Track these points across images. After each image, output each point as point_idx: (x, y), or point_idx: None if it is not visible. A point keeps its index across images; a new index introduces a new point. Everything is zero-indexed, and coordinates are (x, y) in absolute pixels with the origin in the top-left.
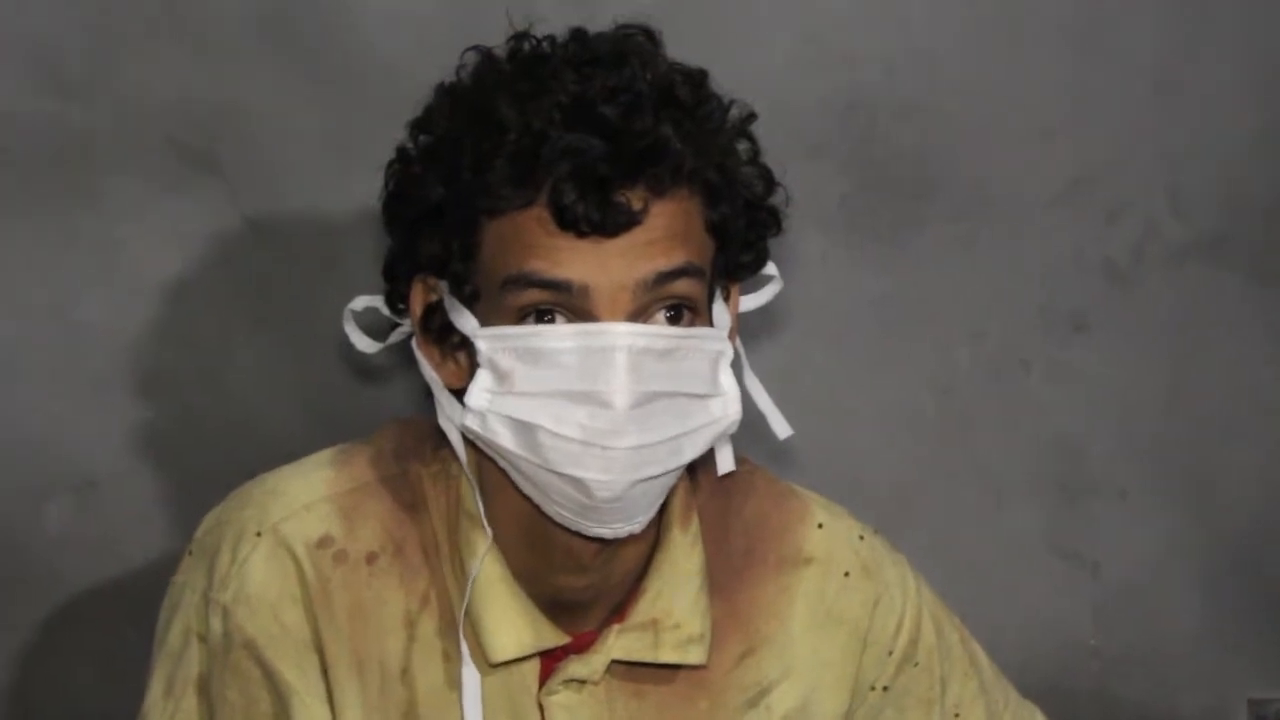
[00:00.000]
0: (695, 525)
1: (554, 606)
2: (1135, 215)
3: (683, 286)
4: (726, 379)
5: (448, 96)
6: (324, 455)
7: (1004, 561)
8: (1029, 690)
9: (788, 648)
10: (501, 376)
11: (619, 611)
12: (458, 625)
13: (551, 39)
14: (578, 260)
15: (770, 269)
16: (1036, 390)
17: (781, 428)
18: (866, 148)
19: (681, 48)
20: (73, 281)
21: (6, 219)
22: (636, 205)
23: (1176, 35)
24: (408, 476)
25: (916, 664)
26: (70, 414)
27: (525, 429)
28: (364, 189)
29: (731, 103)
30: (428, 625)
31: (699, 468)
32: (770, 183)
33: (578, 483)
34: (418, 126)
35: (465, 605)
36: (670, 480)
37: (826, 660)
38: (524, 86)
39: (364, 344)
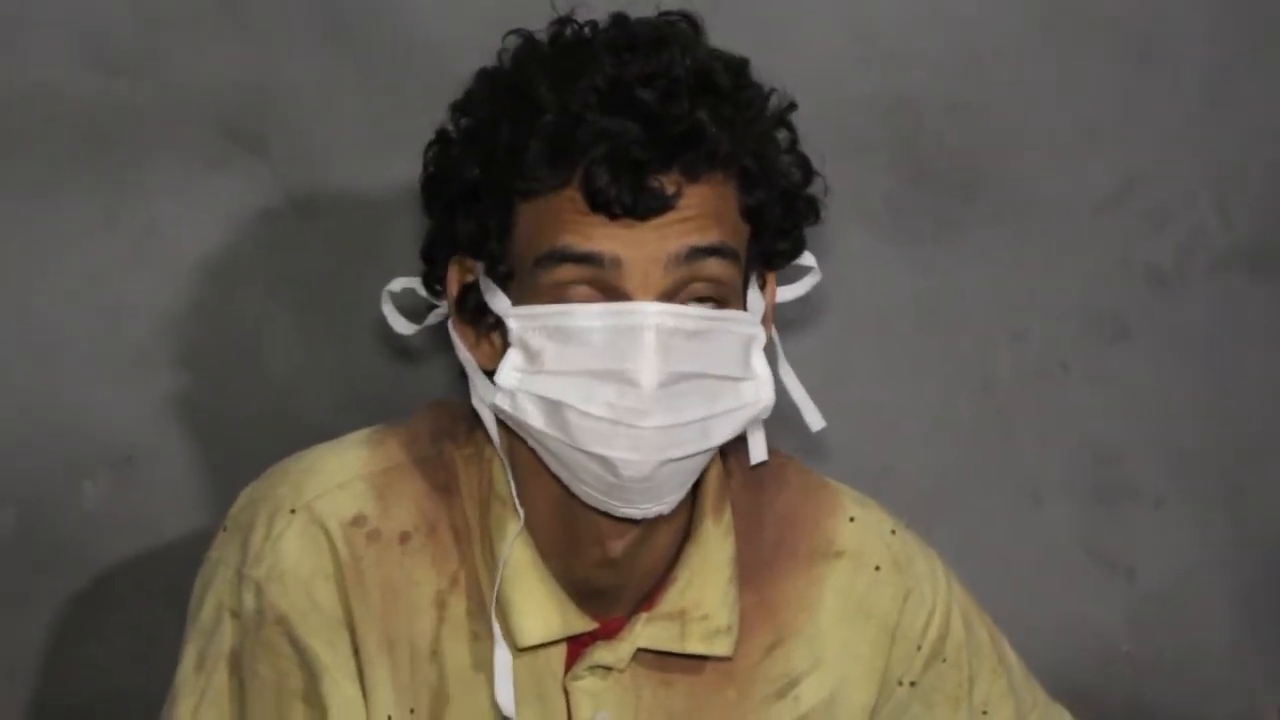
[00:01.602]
0: (728, 516)
1: (583, 593)
2: (1181, 222)
3: (715, 267)
4: (759, 363)
5: (487, 79)
6: (359, 435)
7: (1038, 564)
8: (1061, 694)
9: (817, 640)
10: (532, 355)
11: (648, 600)
12: (487, 607)
13: (593, 24)
14: (610, 236)
15: (809, 260)
16: (1076, 394)
17: (815, 419)
18: (912, 146)
19: (727, 43)
20: (113, 259)
21: (49, 194)
22: (670, 189)
23: (1226, 42)
24: (442, 458)
25: (945, 660)
26: (108, 391)
27: (554, 407)
28: (406, 171)
29: (771, 91)
30: (457, 606)
31: (731, 458)
32: (809, 172)
33: (605, 461)
34: (458, 109)
35: (496, 586)
36: (700, 462)
37: (856, 653)
38: (562, 69)
39: (401, 325)
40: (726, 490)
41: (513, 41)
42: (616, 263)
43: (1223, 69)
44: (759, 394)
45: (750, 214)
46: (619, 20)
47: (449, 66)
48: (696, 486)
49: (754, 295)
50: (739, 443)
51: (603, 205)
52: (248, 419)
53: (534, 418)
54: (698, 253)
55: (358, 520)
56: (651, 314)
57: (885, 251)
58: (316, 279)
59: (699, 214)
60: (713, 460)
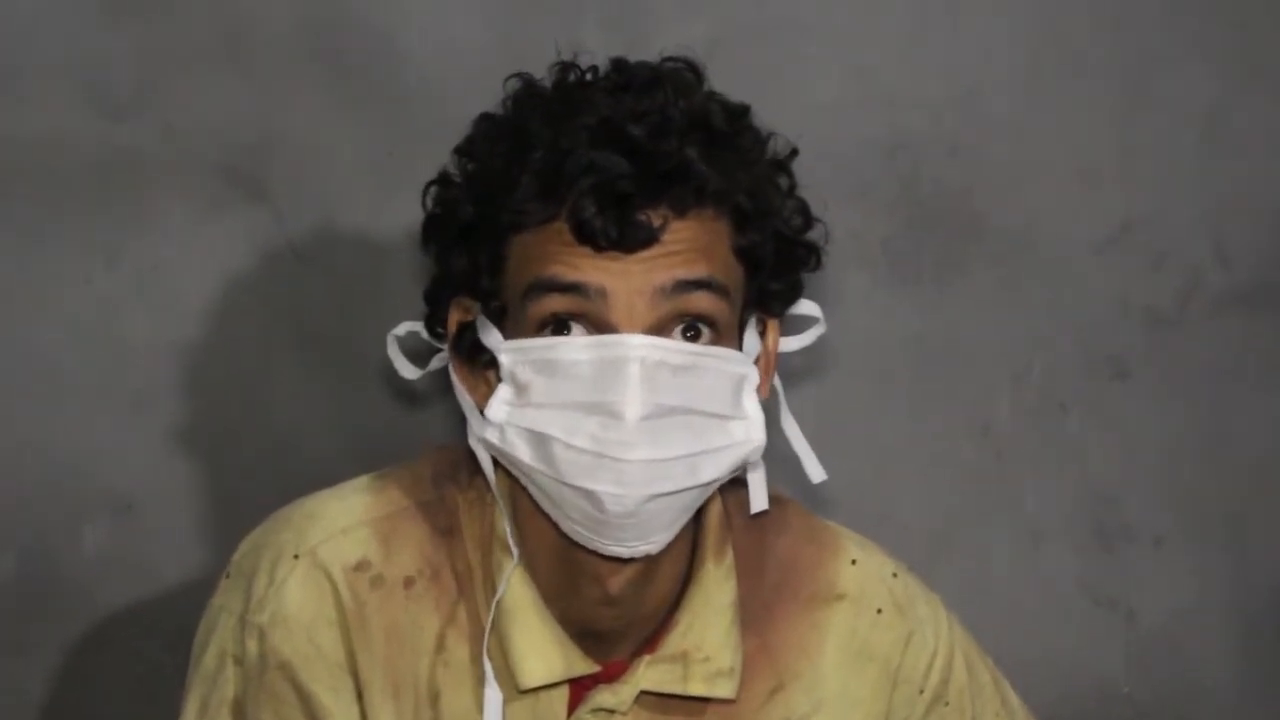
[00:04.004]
0: (730, 559)
1: (585, 635)
2: (1179, 263)
3: (702, 301)
4: (751, 403)
5: (487, 122)
6: (362, 480)
7: (1038, 605)
8: None
9: (818, 684)
10: (520, 389)
11: (650, 642)
12: (490, 648)
13: (595, 69)
14: (597, 267)
15: (814, 310)
16: (1075, 435)
17: (816, 471)
18: (911, 189)
19: (728, 86)
20: (115, 302)
21: (52, 237)
22: (656, 222)
23: (1223, 84)
24: (444, 502)
25: (947, 703)
26: (110, 435)
27: (540, 440)
28: (407, 215)
29: (770, 135)
30: (460, 650)
31: (731, 501)
32: (808, 218)
33: (591, 495)
34: (460, 151)
35: (489, 625)
36: (689, 503)
37: (857, 698)
38: (557, 109)
39: (406, 370)
40: (728, 533)
41: (514, 85)
42: (602, 294)
43: (1220, 111)
44: (749, 434)
45: (743, 253)
46: (618, 64)
47: (449, 111)
48: (698, 529)
49: (751, 337)
50: (738, 486)
51: (589, 237)
52: (249, 462)
53: (522, 451)
54: (685, 286)
55: (361, 565)
56: (636, 346)
57: (884, 293)
58: (317, 322)
59: (687, 248)
60: (712, 502)
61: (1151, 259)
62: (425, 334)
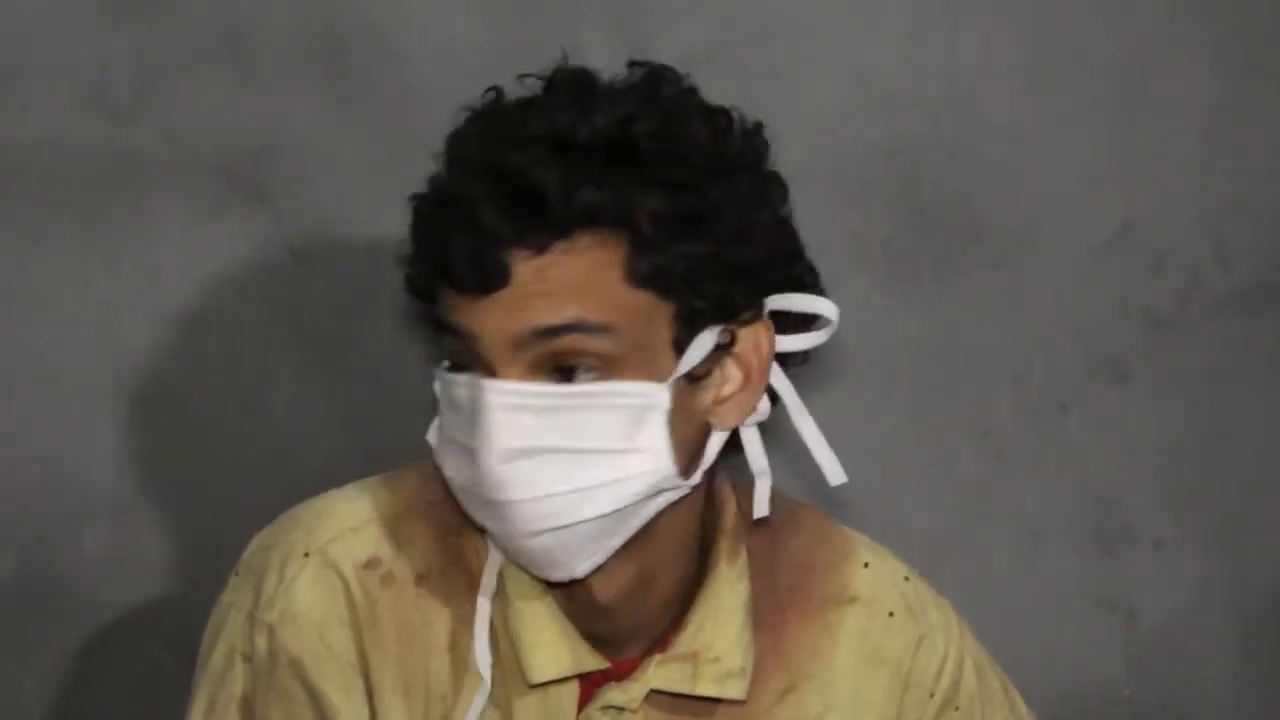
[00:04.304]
0: (743, 560)
1: (594, 636)
2: (1179, 265)
3: (573, 343)
4: (652, 435)
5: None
6: (372, 480)
7: (1038, 607)
8: None
9: (830, 686)
10: (442, 416)
11: (661, 641)
12: (500, 646)
13: (550, 80)
14: (468, 310)
15: (826, 310)
16: (1075, 437)
17: (835, 474)
18: (911, 192)
19: (728, 88)
20: (115, 305)
21: (50, 241)
22: (510, 262)
23: (1223, 86)
24: (452, 500)
25: (957, 708)
26: (110, 437)
27: (446, 472)
28: (408, 217)
29: (720, 145)
30: (470, 647)
31: (746, 502)
32: (753, 228)
33: (489, 530)
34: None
35: (479, 620)
36: (595, 530)
37: (868, 700)
38: (467, 142)
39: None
40: (743, 535)
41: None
42: (475, 338)
43: (1220, 113)
44: (649, 465)
45: (643, 281)
46: (549, 80)
47: (450, 113)
48: (712, 530)
49: (697, 350)
50: (751, 488)
51: (451, 279)
52: (248, 465)
53: (447, 477)
54: (547, 332)
55: (372, 563)
56: (489, 391)
57: (884, 295)
58: (317, 324)
59: (553, 289)
60: (728, 504)
61: (1151, 260)
62: None
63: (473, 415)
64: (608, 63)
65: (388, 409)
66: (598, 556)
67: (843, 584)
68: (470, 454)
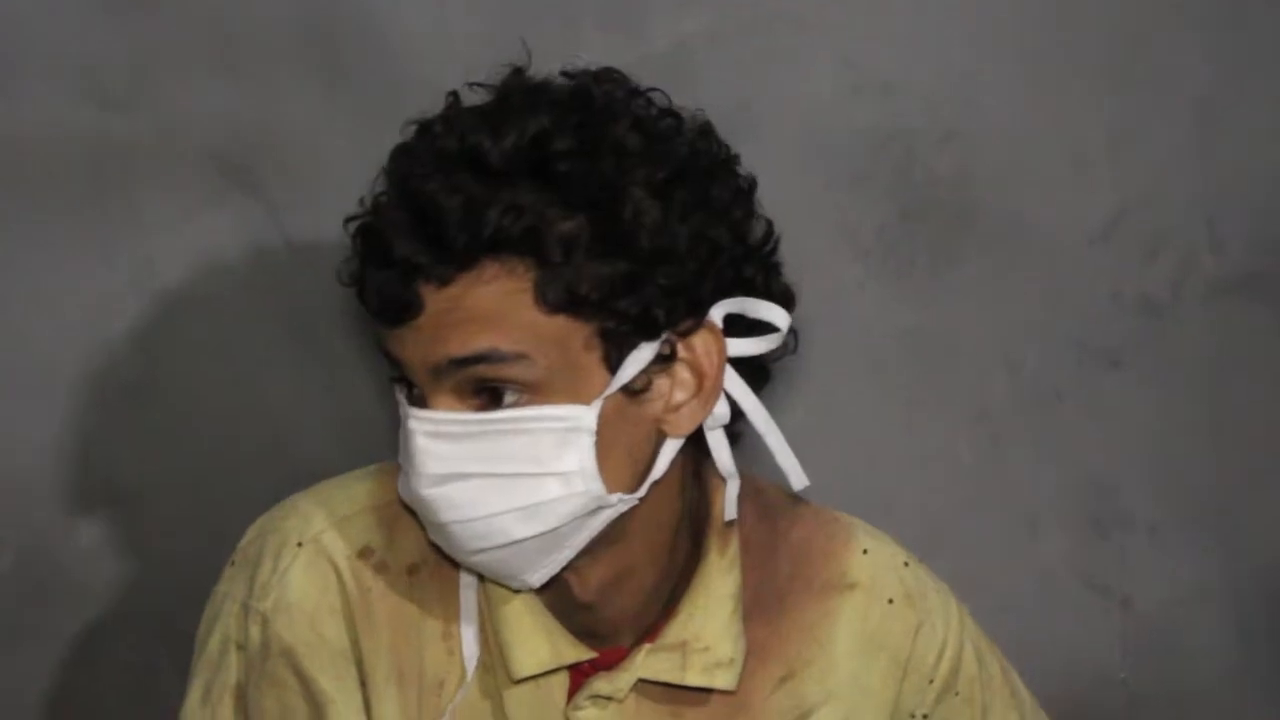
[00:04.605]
0: (734, 549)
1: (580, 629)
2: (1173, 251)
3: (488, 371)
4: (575, 456)
5: None
6: (368, 469)
7: (1034, 594)
8: None
9: (829, 673)
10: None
11: (651, 631)
12: (489, 637)
13: (499, 87)
14: (392, 338)
15: (778, 318)
16: (1070, 423)
17: (798, 479)
18: (905, 179)
19: (723, 78)
20: (109, 295)
21: (46, 232)
22: (421, 292)
23: (1217, 72)
24: None
25: (957, 693)
26: (105, 428)
27: None
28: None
29: (652, 155)
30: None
31: (742, 493)
32: (667, 247)
33: None
34: None
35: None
36: (539, 546)
37: (867, 686)
38: (401, 159)
39: None
40: (735, 524)
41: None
42: (402, 364)
43: (1213, 99)
44: (577, 486)
45: (558, 306)
46: (498, 90)
47: (442, 105)
48: (702, 521)
49: (634, 363)
50: (745, 482)
51: (369, 310)
52: (244, 455)
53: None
54: (460, 363)
55: (365, 552)
56: (413, 418)
57: (878, 283)
58: (312, 315)
59: (462, 320)
60: (716, 493)
61: (1145, 247)
62: None
63: (405, 440)
64: (603, 53)
65: (382, 399)
66: (549, 568)
67: (842, 571)
68: (405, 476)
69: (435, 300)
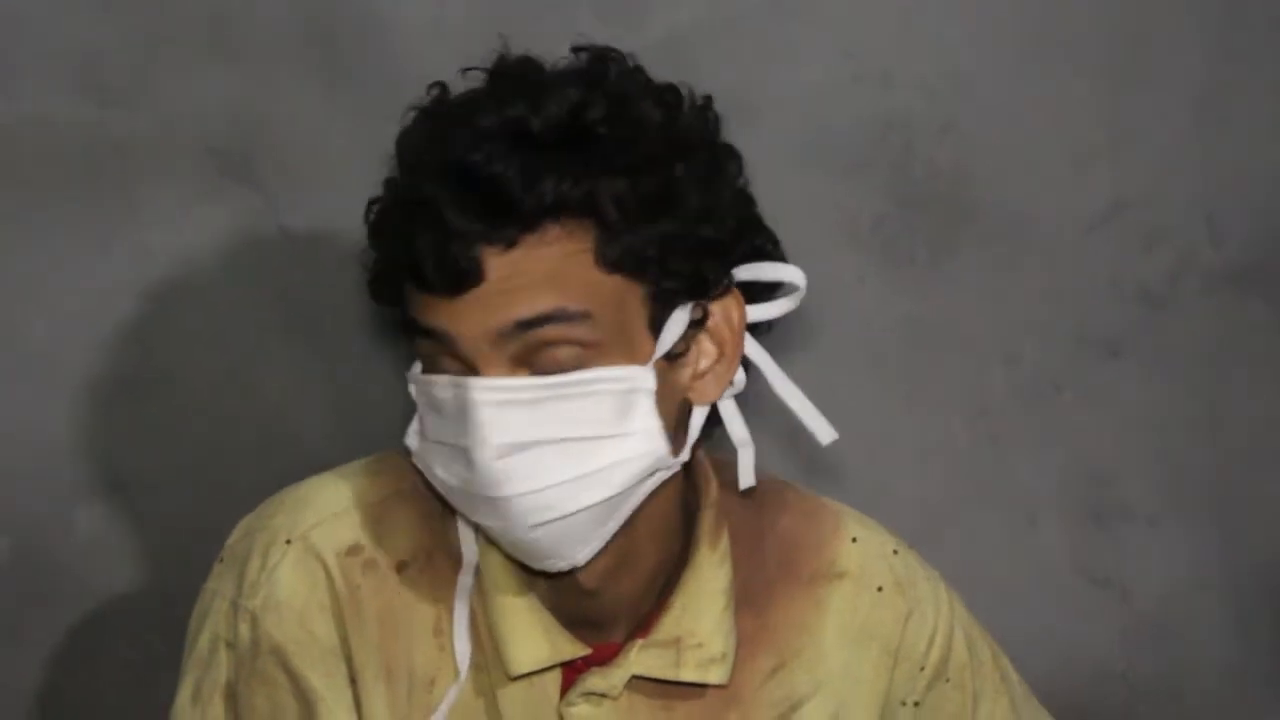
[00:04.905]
0: (725, 544)
1: (575, 620)
2: (1172, 242)
3: (554, 332)
4: (642, 417)
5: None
6: (356, 465)
7: (1034, 585)
8: (1056, 714)
9: (819, 662)
10: (422, 420)
11: (643, 626)
12: (481, 633)
13: (491, 72)
14: (442, 312)
15: (793, 277)
16: (1069, 415)
17: (825, 432)
18: (903, 170)
19: (720, 68)
20: (107, 287)
21: (43, 224)
22: (482, 259)
23: (1216, 62)
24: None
25: (948, 680)
26: (103, 420)
27: (433, 474)
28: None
29: (673, 123)
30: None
31: (729, 484)
32: (718, 208)
33: (484, 526)
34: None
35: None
36: (594, 517)
37: (858, 675)
38: (420, 142)
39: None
40: (724, 517)
41: (409, 116)
42: (451, 339)
43: (1212, 89)
44: (643, 447)
45: (614, 265)
46: (492, 74)
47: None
48: (692, 513)
49: (674, 328)
50: (734, 471)
51: (423, 283)
52: (241, 446)
53: (433, 479)
54: (526, 324)
55: (354, 550)
56: (476, 389)
57: (876, 275)
58: (310, 308)
59: (526, 283)
60: (708, 487)
61: (1144, 238)
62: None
63: (461, 415)
64: (600, 42)
65: (380, 390)
66: (595, 543)
67: (830, 559)
68: (463, 453)
69: (498, 265)
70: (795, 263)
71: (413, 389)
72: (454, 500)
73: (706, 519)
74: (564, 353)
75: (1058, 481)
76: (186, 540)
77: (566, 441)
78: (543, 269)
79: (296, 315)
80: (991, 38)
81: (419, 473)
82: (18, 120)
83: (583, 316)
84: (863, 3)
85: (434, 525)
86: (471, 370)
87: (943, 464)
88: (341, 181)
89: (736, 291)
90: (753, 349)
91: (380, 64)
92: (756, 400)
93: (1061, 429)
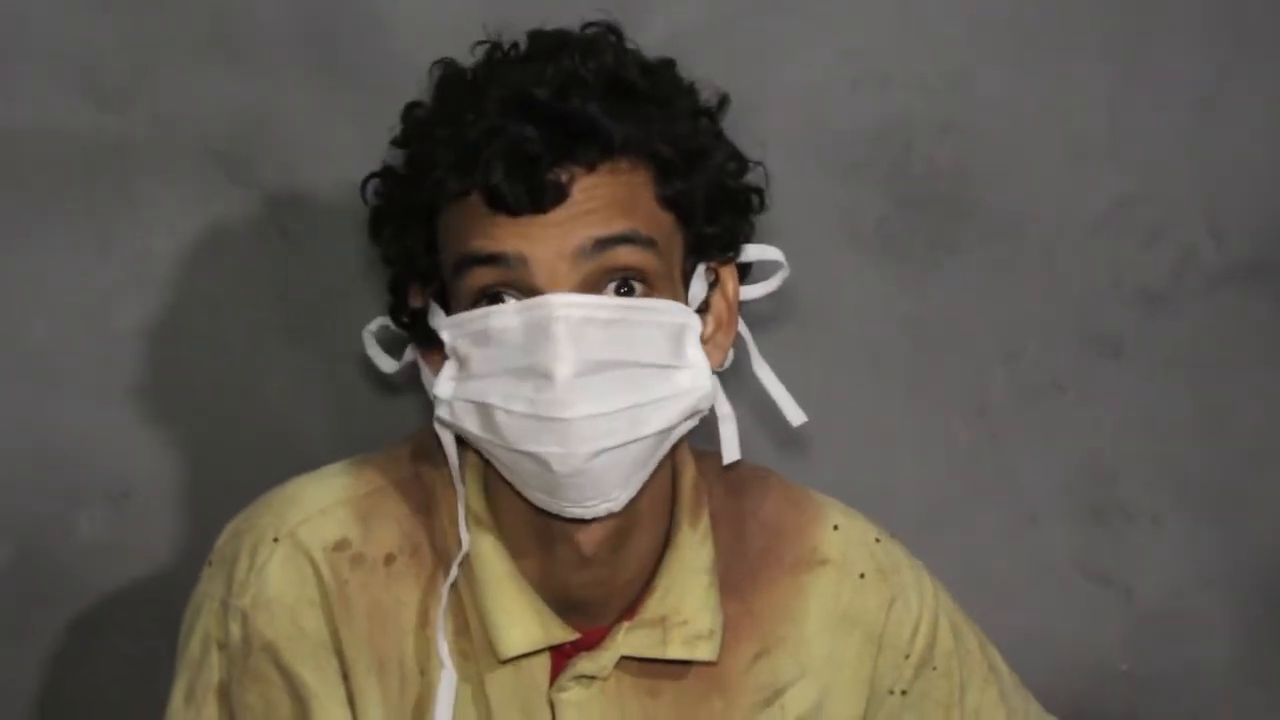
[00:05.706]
0: (705, 523)
1: (566, 605)
2: (1173, 240)
3: (627, 255)
4: (694, 352)
5: (412, 109)
6: (338, 465)
7: (1035, 584)
8: (1058, 713)
9: (802, 649)
10: (462, 362)
11: (630, 609)
12: (470, 623)
13: (516, 45)
14: (514, 234)
15: (776, 256)
16: (1070, 413)
17: (795, 414)
18: (903, 169)
19: (720, 66)
20: (107, 290)
21: (44, 226)
22: (564, 179)
23: (1216, 61)
24: (421, 480)
25: (934, 668)
26: (103, 422)
27: (483, 410)
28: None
29: (691, 85)
30: (444, 625)
31: (709, 468)
32: (742, 163)
33: (537, 459)
34: (393, 143)
35: (444, 600)
36: (641, 454)
37: (841, 662)
38: (471, 86)
39: (385, 364)
40: (703, 497)
41: (437, 70)
42: (523, 261)
43: (1213, 88)
44: (696, 382)
45: (671, 203)
46: (533, 36)
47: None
48: (673, 495)
49: (698, 285)
50: (714, 455)
51: (501, 203)
52: (242, 448)
53: (470, 423)
54: (604, 243)
55: (341, 545)
56: (558, 305)
57: (877, 274)
58: (310, 310)
59: (603, 205)
60: (685, 467)
61: (1145, 236)
62: (393, 325)
63: (536, 335)
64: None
65: (378, 392)
66: (631, 488)
67: (813, 546)
68: (538, 375)
69: (577, 186)
70: (795, 263)
71: (452, 332)
72: (508, 434)
73: (685, 499)
74: (630, 278)
75: (1059, 480)
76: (187, 540)
77: (633, 367)
78: (617, 195)
79: (296, 315)
80: (990, 37)
81: (411, 462)
82: (18, 122)
83: (650, 243)
84: (863, 3)
85: (418, 519)
86: (538, 295)
87: (943, 463)
88: (341, 181)
89: (734, 266)
90: (740, 326)
91: (380, 64)
92: (759, 404)
93: (1062, 428)
